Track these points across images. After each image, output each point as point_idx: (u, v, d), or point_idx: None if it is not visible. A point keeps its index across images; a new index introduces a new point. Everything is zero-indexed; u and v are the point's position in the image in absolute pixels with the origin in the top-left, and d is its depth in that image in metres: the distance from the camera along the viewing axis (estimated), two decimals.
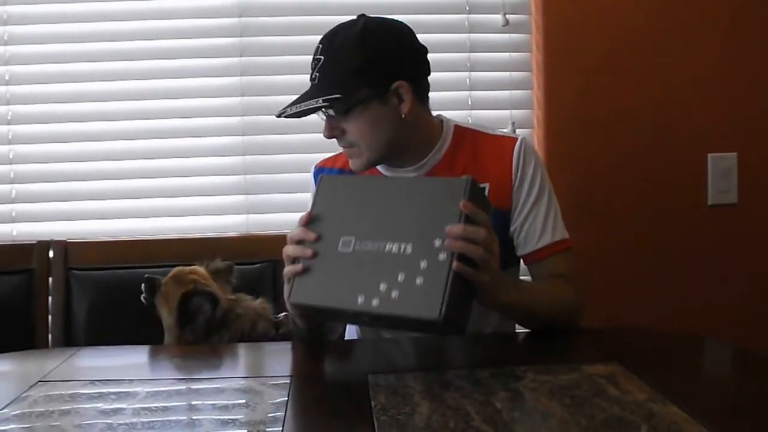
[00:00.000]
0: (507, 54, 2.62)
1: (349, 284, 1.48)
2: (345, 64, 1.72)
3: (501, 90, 2.63)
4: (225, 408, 1.36)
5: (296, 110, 1.72)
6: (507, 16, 2.59)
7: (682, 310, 2.57)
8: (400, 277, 1.44)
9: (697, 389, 1.45)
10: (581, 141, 2.59)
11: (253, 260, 2.39)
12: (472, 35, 2.61)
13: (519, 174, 1.81)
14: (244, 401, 1.39)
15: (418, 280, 1.43)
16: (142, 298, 1.94)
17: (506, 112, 2.62)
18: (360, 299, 1.46)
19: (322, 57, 1.74)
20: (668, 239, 2.63)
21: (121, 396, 1.41)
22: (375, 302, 1.45)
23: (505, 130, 2.36)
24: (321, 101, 1.69)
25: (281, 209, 2.57)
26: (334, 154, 1.96)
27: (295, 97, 1.76)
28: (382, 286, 1.45)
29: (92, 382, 1.50)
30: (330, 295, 1.51)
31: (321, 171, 1.93)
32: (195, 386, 1.52)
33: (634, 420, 1.23)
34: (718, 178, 2.64)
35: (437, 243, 1.45)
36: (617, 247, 2.58)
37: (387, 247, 1.48)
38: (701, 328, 2.17)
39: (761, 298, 2.65)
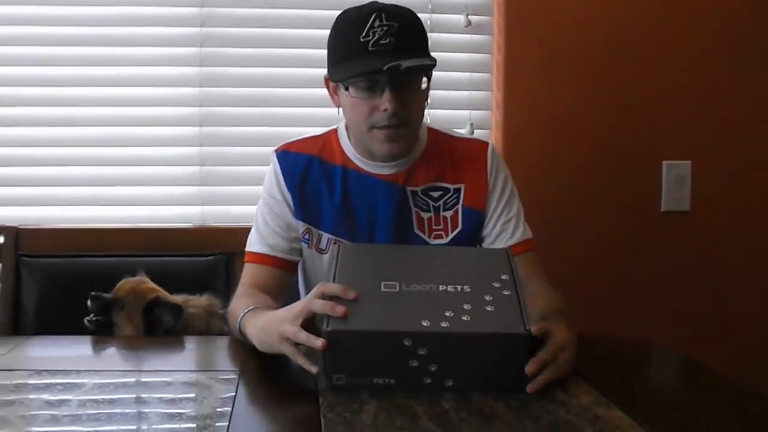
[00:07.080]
0: (467, 54, 2.63)
1: (408, 312, 1.36)
2: (422, 34, 1.73)
3: (460, 90, 2.63)
4: (172, 401, 1.35)
5: (409, 65, 1.62)
6: (470, 16, 2.59)
7: (633, 315, 2.61)
8: (467, 306, 1.37)
9: (643, 395, 1.47)
10: (538, 144, 2.61)
11: (206, 252, 2.37)
12: (434, 34, 2.61)
13: (493, 176, 1.84)
14: (191, 395, 1.39)
15: (488, 308, 1.37)
16: (87, 321, 1.88)
17: (465, 113, 2.62)
18: (425, 323, 1.34)
19: (395, 23, 1.65)
20: (621, 243, 2.66)
21: (67, 387, 1.40)
22: (444, 324, 1.34)
23: (462, 131, 2.37)
24: (427, 62, 1.68)
25: (237, 202, 2.55)
26: (299, 138, 1.88)
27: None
28: (448, 313, 1.35)
29: (39, 372, 1.49)
30: (385, 321, 1.36)
31: (286, 154, 1.84)
32: (143, 379, 1.52)
33: (579, 423, 1.25)
34: (672, 186, 2.67)
35: (496, 285, 1.41)
36: (571, 251, 2.60)
37: (440, 287, 1.40)
38: (650, 333, 2.20)
39: (708, 303, 2.69)
